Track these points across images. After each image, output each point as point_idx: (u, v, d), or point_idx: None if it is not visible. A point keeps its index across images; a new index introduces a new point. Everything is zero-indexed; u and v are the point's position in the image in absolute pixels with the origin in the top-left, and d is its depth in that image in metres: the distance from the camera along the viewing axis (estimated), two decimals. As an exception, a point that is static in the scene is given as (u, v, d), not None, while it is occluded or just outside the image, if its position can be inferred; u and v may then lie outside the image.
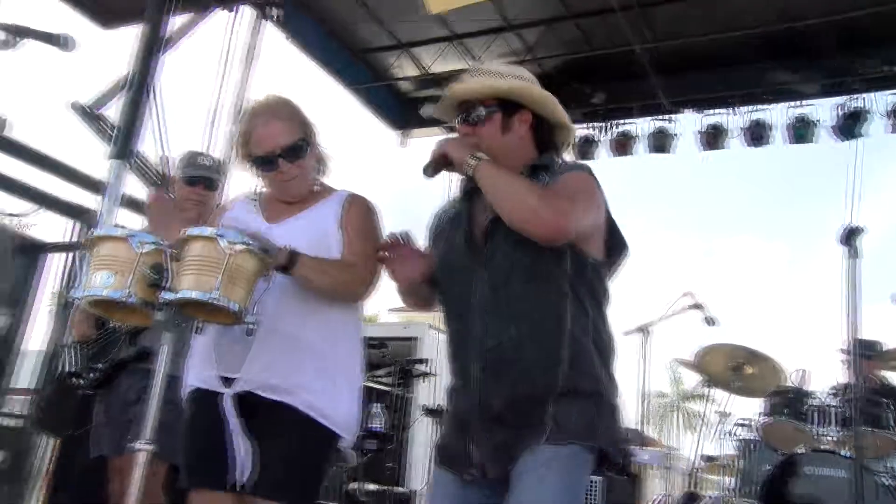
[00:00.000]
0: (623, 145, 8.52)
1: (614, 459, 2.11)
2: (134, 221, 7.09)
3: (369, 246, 2.47)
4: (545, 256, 2.08)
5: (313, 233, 2.46)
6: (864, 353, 5.06)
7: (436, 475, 2.27)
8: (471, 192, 2.30)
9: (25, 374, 6.64)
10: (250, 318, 2.18)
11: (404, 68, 9.24)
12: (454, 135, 2.30)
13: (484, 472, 2.10)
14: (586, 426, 2.03)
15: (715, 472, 6.11)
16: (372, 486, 5.55)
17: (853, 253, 3.45)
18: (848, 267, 3.43)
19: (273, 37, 8.34)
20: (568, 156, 2.43)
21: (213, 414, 2.34)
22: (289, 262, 2.27)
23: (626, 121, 8.68)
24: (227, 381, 2.36)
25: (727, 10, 7.51)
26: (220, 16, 7.87)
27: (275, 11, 8.05)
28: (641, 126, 8.62)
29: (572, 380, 2.05)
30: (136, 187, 7.04)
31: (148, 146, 7.51)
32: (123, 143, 6.30)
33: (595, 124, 8.77)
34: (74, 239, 6.27)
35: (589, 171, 2.22)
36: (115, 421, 3.01)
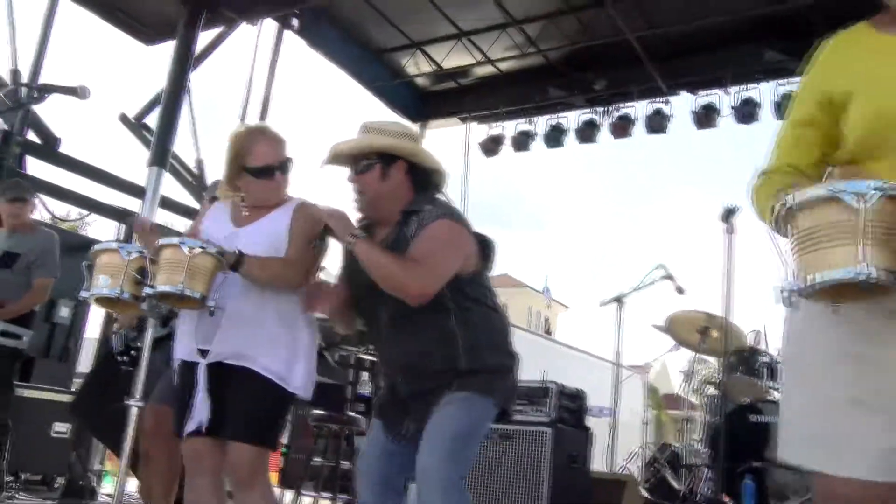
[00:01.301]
0: (622, 128, 9.03)
1: (509, 412, 2.77)
2: (171, 220, 7.98)
3: (308, 246, 3.06)
4: None
5: (268, 236, 3.07)
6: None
7: (374, 422, 2.93)
8: (367, 227, 2.77)
9: (88, 357, 7.60)
10: (211, 302, 2.86)
11: (419, 65, 9.91)
12: (337, 207, 2.74)
13: (408, 432, 2.74)
14: (483, 385, 2.64)
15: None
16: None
17: (730, 230, 3.95)
18: (726, 242, 3.93)
19: (295, 44, 9.10)
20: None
21: (192, 379, 3.01)
22: (237, 262, 2.90)
23: (627, 104, 9.16)
24: (203, 353, 3.03)
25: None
26: (244, 29, 8.67)
27: (294, 21, 8.78)
28: (639, 109, 9.09)
29: (472, 364, 2.64)
30: (175, 190, 7.90)
31: (185, 152, 8.38)
32: (159, 151, 7.10)
33: (597, 109, 9.31)
34: (122, 238, 7.11)
35: (451, 215, 2.65)
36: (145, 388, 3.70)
